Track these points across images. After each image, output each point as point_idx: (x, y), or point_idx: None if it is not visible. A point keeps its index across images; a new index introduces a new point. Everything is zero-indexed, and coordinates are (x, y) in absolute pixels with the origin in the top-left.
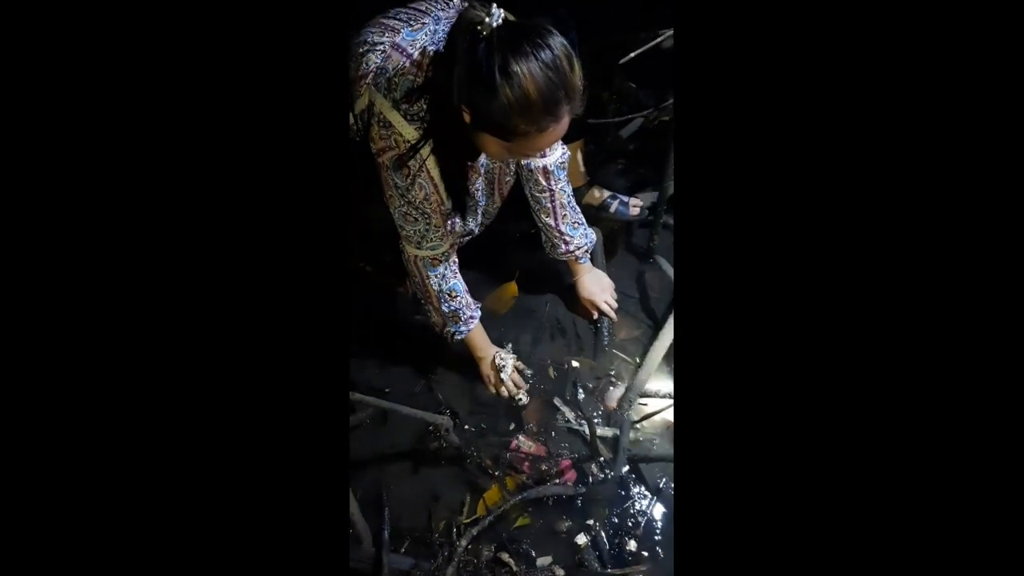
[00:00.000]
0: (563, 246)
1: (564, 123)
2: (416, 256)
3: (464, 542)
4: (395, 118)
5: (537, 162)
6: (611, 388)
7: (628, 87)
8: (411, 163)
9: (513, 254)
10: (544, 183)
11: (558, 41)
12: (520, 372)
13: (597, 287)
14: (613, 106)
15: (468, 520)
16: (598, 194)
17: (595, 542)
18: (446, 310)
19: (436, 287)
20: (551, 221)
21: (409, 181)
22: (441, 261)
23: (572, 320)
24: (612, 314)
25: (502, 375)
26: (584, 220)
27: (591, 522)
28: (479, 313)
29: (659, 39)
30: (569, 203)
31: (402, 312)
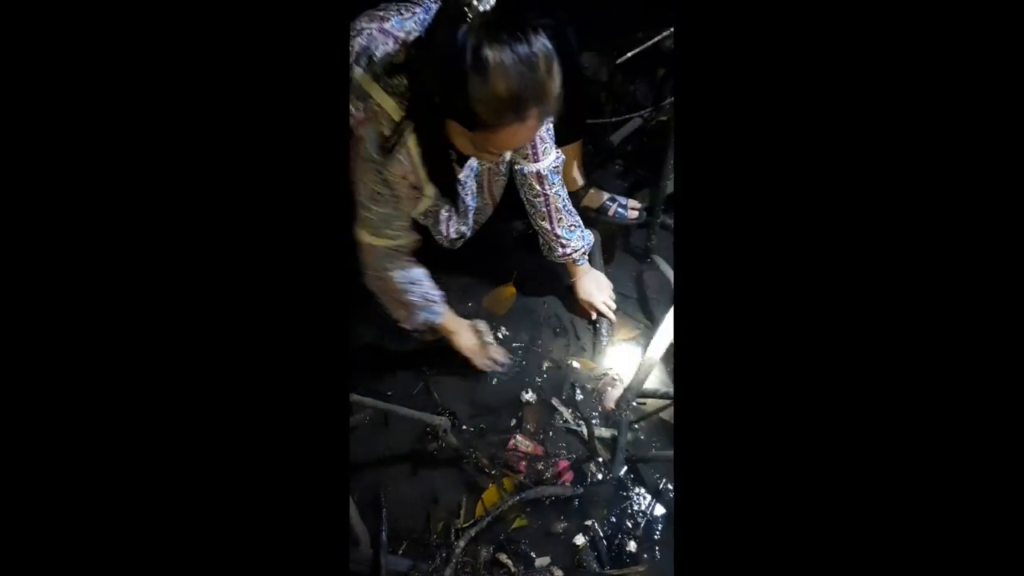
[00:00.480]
0: (560, 249)
1: (530, 125)
2: (372, 245)
3: (462, 543)
4: (374, 90)
5: (530, 167)
6: (609, 388)
7: (626, 87)
8: (392, 136)
9: (511, 255)
10: (538, 188)
11: (541, 43)
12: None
13: (595, 288)
14: (611, 106)
15: (466, 524)
16: (596, 197)
17: (593, 543)
18: (415, 299)
19: (400, 279)
20: (547, 225)
21: (387, 155)
22: (402, 254)
23: (571, 320)
24: (611, 315)
25: (486, 339)
26: (581, 222)
27: (589, 523)
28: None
29: (656, 39)
30: (565, 207)
31: None
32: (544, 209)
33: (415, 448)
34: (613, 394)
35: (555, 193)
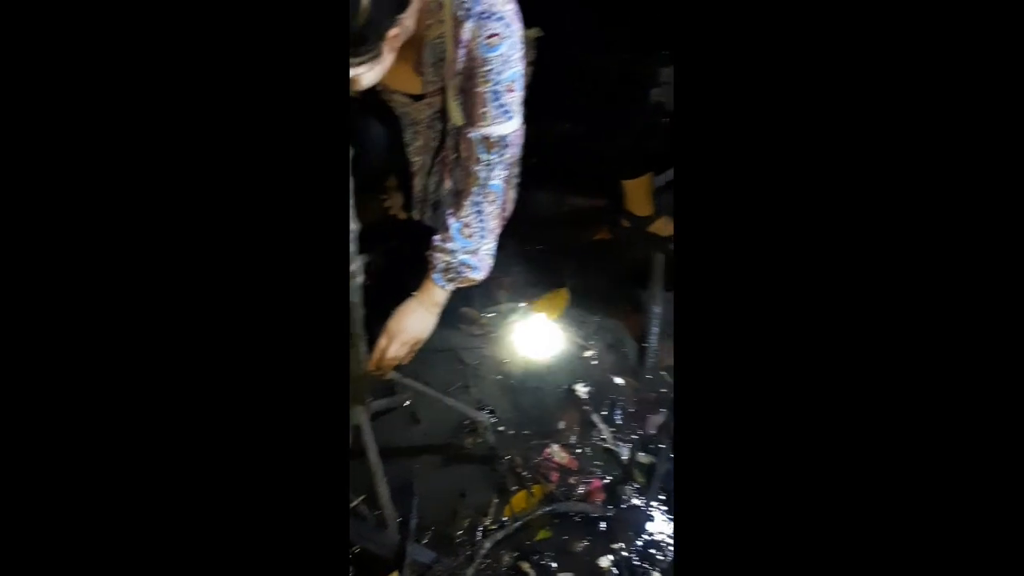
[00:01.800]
0: (438, 242)
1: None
2: None
3: (488, 544)
4: None
5: (465, 129)
6: (653, 414)
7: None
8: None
9: (569, 264)
10: (464, 155)
11: None
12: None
13: (409, 325)
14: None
15: (493, 526)
16: (669, 225)
17: (618, 567)
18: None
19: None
20: (447, 209)
21: None
22: None
23: (621, 338)
24: (384, 369)
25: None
26: (492, 246)
27: (616, 546)
28: None
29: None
30: (477, 205)
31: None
32: (459, 188)
33: (452, 441)
34: (656, 420)
35: (481, 175)
